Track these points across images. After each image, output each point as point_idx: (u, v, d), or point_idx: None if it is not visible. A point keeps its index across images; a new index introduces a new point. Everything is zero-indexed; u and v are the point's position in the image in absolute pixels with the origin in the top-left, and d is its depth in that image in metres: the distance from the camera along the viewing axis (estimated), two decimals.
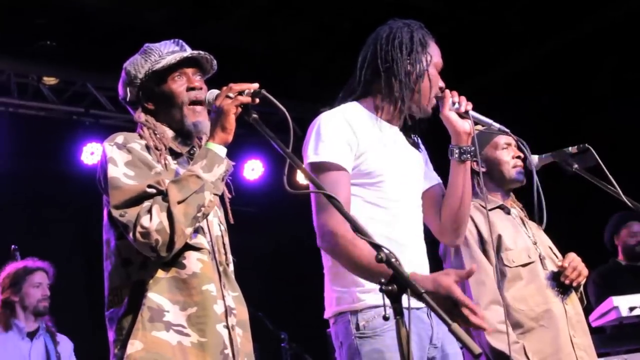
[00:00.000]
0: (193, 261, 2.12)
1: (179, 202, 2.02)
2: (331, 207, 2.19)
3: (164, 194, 2.05)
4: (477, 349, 1.63)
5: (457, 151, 2.50)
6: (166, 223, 2.00)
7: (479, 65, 6.04)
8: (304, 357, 5.27)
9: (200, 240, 2.17)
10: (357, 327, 2.26)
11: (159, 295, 2.06)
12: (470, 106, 2.51)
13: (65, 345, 4.59)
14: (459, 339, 1.60)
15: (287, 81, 6.08)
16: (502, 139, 3.02)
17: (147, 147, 2.17)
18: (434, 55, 2.46)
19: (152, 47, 2.28)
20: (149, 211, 2.01)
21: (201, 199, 2.05)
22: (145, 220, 2.00)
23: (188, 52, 2.26)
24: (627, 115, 5.58)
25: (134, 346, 2.02)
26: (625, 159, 5.01)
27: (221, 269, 2.20)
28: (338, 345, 2.35)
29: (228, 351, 2.12)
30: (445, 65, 2.54)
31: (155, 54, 2.25)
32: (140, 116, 2.26)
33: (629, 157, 5.36)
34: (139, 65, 2.26)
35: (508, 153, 3.01)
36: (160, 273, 2.09)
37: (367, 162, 2.37)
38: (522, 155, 3.02)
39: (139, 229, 2.00)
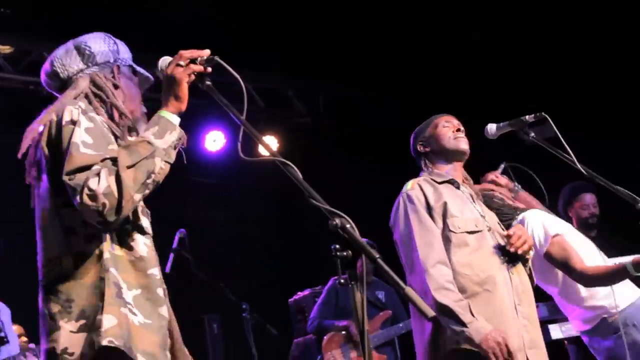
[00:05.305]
0: (140, 244, 2.12)
1: (128, 167, 1.99)
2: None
3: (113, 160, 2.02)
4: (431, 312, 1.66)
5: None
6: (114, 187, 1.96)
7: None
8: (266, 327, 5.29)
9: (146, 224, 2.18)
10: None
11: (116, 272, 2.04)
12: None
13: (5, 311, 4.52)
14: (412, 302, 1.64)
15: (250, 52, 6.04)
16: (442, 120, 3.15)
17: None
18: None
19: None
20: (98, 174, 1.98)
21: (151, 165, 2.03)
22: (92, 183, 1.96)
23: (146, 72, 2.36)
24: None
25: (110, 321, 1.98)
26: None
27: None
28: None
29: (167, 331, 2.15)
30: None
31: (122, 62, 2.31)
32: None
33: None
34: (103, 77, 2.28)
35: (448, 129, 3.12)
36: (117, 250, 2.07)
37: None
38: (462, 128, 3.12)
39: (86, 191, 1.95)
